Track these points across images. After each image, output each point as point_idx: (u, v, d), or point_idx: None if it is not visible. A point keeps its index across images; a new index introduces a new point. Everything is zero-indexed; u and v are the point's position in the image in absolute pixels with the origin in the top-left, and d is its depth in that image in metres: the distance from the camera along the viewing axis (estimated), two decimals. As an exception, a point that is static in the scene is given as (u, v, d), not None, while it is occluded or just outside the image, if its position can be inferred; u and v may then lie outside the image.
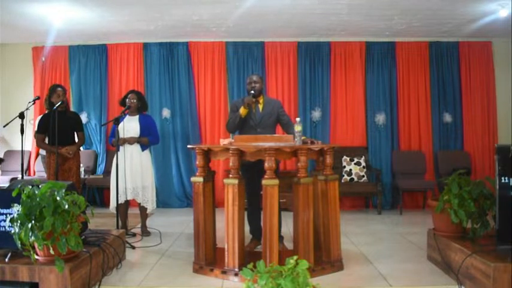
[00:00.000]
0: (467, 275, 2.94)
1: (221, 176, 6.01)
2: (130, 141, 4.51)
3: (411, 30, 6.28)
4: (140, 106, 4.68)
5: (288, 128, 3.98)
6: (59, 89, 4.51)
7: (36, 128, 4.66)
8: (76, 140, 4.63)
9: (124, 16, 5.62)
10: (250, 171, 3.66)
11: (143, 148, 4.62)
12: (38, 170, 6.43)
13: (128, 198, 4.54)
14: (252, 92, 3.87)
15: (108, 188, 4.77)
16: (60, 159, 4.37)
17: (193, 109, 6.74)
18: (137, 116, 4.65)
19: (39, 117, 4.71)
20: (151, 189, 4.66)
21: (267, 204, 3.13)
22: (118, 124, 4.37)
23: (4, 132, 6.17)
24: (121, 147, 4.46)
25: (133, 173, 4.52)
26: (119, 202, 4.44)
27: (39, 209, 2.66)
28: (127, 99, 4.63)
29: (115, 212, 4.48)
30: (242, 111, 3.85)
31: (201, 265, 3.38)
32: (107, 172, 6.19)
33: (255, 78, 3.97)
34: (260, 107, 3.98)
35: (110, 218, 4.69)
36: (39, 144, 4.57)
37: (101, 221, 4.89)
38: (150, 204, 4.64)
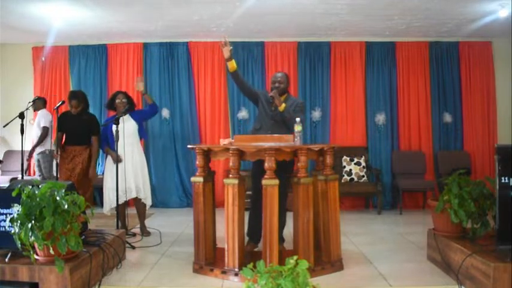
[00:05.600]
0: (467, 275, 2.94)
1: (221, 176, 6.01)
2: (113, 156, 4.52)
3: (411, 30, 6.28)
4: (129, 106, 4.65)
5: (289, 123, 3.93)
6: (70, 94, 4.70)
7: None
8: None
9: (124, 16, 5.63)
10: (260, 171, 3.62)
11: (149, 109, 4.77)
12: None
13: (132, 197, 4.56)
14: (274, 90, 3.87)
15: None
16: (68, 158, 4.53)
17: (193, 109, 6.74)
18: (128, 115, 4.65)
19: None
20: (148, 186, 4.73)
21: (267, 204, 3.13)
22: (118, 124, 4.35)
23: (4, 132, 6.17)
24: (119, 147, 4.45)
25: (135, 171, 4.55)
26: (119, 202, 4.44)
27: (39, 209, 2.66)
28: (117, 100, 4.64)
29: (110, 213, 4.56)
30: (230, 65, 3.86)
31: (201, 265, 3.38)
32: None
33: (279, 77, 3.98)
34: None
35: (110, 218, 4.69)
36: (55, 142, 4.74)
37: (101, 221, 4.89)
38: (149, 201, 4.70)
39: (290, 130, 3.96)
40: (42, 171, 5.60)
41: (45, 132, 5.54)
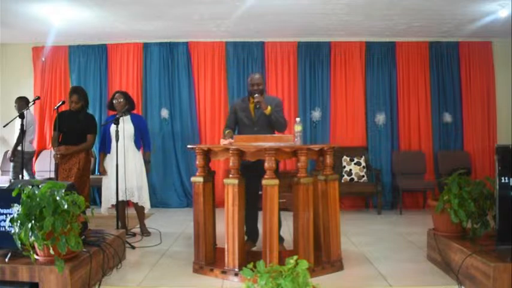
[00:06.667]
0: (467, 275, 2.94)
1: (221, 176, 6.01)
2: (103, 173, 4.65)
3: (411, 30, 6.28)
4: (128, 106, 4.64)
5: (275, 125, 3.96)
6: (72, 89, 4.69)
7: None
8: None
9: (124, 16, 5.63)
10: (249, 171, 3.64)
11: (142, 148, 4.72)
12: (39, 170, 6.43)
13: (123, 199, 4.50)
14: (257, 95, 3.85)
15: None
16: (65, 158, 4.47)
17: (193, 109, 6.74)
18: (128, 116, 4.63)
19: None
20: (145, 188, 4.69)
21: (267, 204, 3.13)
22: (118, 124, 4.35)
23: (4, 132, 6.16)
24: (113, 148, 4.45)
25: (129, 173, 4.48)
26: (113, 202, 4.45)
27: (39, 209, 2.66)
28: (114, 100, 4.63)
29: (108, 213, 4.59)
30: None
31: (201, 265, 3.38)
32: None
33: (257, 79, 3.94)
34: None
35: (110, 218, 4.69)
36: (51, 142, 4.71)
37: (101, 221, 4.88)
38: (147, 203, 4.68)
39: (275, 131, 3.97)
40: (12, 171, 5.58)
41: (20, 133, 5.50)
